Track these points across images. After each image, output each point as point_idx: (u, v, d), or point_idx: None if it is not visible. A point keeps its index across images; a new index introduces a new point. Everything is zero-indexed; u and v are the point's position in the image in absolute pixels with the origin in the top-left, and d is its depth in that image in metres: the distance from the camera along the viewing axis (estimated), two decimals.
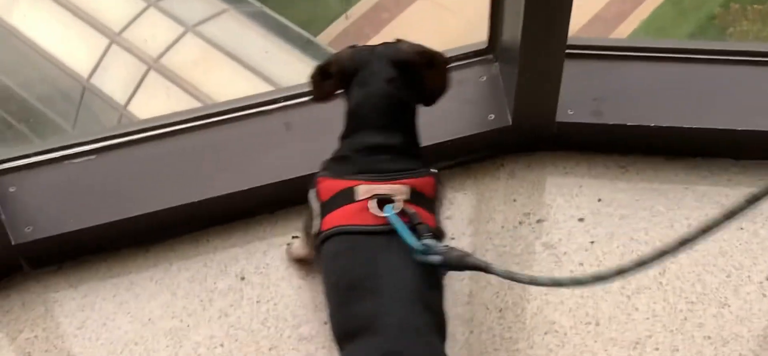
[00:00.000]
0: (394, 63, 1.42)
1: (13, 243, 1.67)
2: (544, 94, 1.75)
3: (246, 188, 1.75)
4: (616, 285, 1.61)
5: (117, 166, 1.82)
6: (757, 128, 1.77)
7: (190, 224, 1.77)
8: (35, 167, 1.81)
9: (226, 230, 1.77)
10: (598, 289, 1.60)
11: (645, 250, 1.64)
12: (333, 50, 1.71)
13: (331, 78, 1.46)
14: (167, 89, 7.32)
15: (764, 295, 1.58)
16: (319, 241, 1.37)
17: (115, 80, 7.46)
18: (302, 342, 1.56)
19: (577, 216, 1.73)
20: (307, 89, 1.85)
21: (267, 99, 1.91)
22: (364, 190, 1.33)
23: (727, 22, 7.55)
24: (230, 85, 7.11)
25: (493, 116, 1.81)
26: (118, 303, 1.66)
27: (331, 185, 1.39)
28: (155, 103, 7.15)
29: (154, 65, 7.45)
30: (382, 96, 1.40)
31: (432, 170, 1.42)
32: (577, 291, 1.60)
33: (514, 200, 1.77)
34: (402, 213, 1.31)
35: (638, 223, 1.72)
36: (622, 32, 7.78)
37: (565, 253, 1.67)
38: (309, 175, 1.73)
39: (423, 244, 1.27)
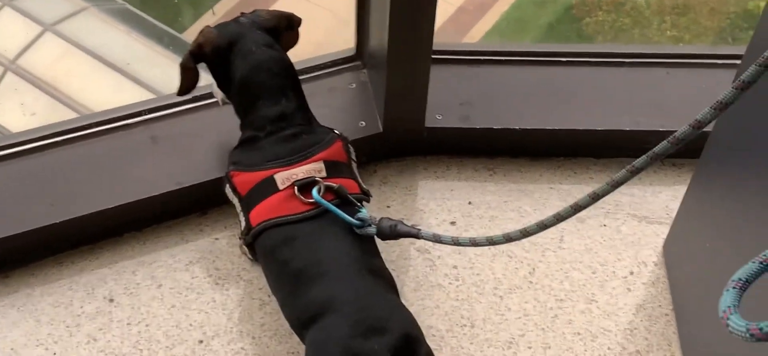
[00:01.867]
0: (265, 30, 1.47)
1: None
2: (413, 99, 1.77)
3: (111, 205, 1.68)
4: (489, 286, 1.65)
5: None
6: (614, 127, 1.84)
7: (52, 246, 1.69)
8: None
9: (92, 250, 1.70)
10: (472, 291, 1.63)
11: (514, 250, 1.69)
12: None
13: (202, 60, 1.47)
14: (26, 90, 7.00)
15: (629, 290, 1.65)
16: (251, 237, 1.36)
17: None
18: None
19: (449, 220, 1.75)
20: (172, 101, 1.83)
21: (131, 112, 1.84)
22: (282, 177, 1.35)
23: (584, 12, 7.82)
24: (94, 86, 6.87)
25: (364, 123, 1.81)
26: None
27: (247, 179, 1.40)
28: (12, 106, 6.82)
29: (10, 67, 7.10)
30: (270, 61, 1.45)
31: (334, 132, 1.44)
32: (452, 294, 1.63)
33: (388, 207, 1.78)
34: (328, 191, 1.34)
35: (507, 224, 1.76)
36: (483, 27, 7.95)
37: (439, 257, 1.69)
38: (177, 190, 1.71)
39: (358, 219, 1.32)
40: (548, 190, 1.82)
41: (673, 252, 1.65)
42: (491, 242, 1.18)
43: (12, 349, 1.55)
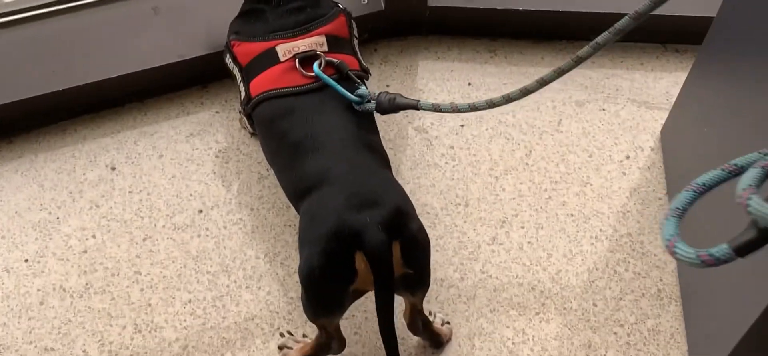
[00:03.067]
0: None
1: None
2: None
3: (114, 75, 1.70)
4: (484, 166, 1.67)
5: None
6: (619, 11, 1.82)
7: (56, 113, 1.71)
8: None
9: (95, 119, 1.72)
10: (468, 171, 1.66)
11: (511, 132, 1.70)
12: None
13: None
14: None
15: (624, 174, 1.67)
16: (251, 107, 1.37)
17: None
18: (177, 232, 1.56)
19: (448, 101, 1.76)
20: None
21: None
22: (284, 49, 1.36)
23: None
24: None
25: (365, 1, 1.80)
26: None
27: (248, 49, 1.40)
28: None
29: None
30: None
31: (338, 6, 1.44)
32: (448, 173, 1.65)
33: (388, 86, 1.78)
34: (329, 65, 1.35)
35: (506, 106, 1.76)
36: None
37: (436, 137, 1.71)
38: (178, 62, 1.72)
39: (358, 95, 1.33)
40: (542, 73, 1.81)
41: (669, 138, 1.67)
42: (491, 104, 1.18)
43: (16, 212, 1.58)
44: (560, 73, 1.09)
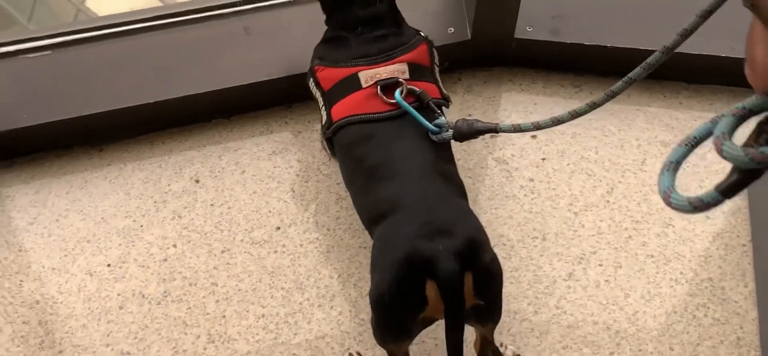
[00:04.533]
0: None
1: None
2: (504, 9, 1.75)
3: (203, 91, 1.75)
4: (564, 201, 1.65)
5: (73, 63, 1.80)
6: (709, 53, 1.79)
7: (146, 125, 1.76)
8: None
9: (182, 133, 1.77)
10: (547, 205, 1.64)
11: (593, 168, 1.68)
12: None
13: None
14: None
15: (707, 218, 1.63)
16: (332, 131, 1.39)
17: None
18: (254, 246, 1.58)
19: (530, 133, 1.75)
20: None
21: (227, 2, 1.88)
22: (366, 76, 1.37)
23: None
24: None
25: (452, 30, 1.81)
26: (71, 200, 1.66)
27: (331, 74, 1.42)
28: (114, 1, 6.98)
29: None
30: None
31: (420, 34, 1.45)
32: (526, 206, 1.64)
33: (469, 115, 1.78)
34: (409, 94, 1.35)
35: (589, 142, 1.75)
36: None
37: (516, 168, 1.70)
38: (266, 81, 1.75)
39: (436, 125, 1.33)
40: (635, 111, 1.80)
41: (756, 183, 1.62)
42: (575, 114, 1.16)
43: (102, 218, 1.64)
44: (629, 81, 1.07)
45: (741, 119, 0.70)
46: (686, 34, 0.86)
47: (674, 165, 0.75)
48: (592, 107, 1.06)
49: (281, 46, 1.81)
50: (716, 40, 1.80)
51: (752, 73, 0.66)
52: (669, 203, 0.73)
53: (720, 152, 0.69)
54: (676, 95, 1.83)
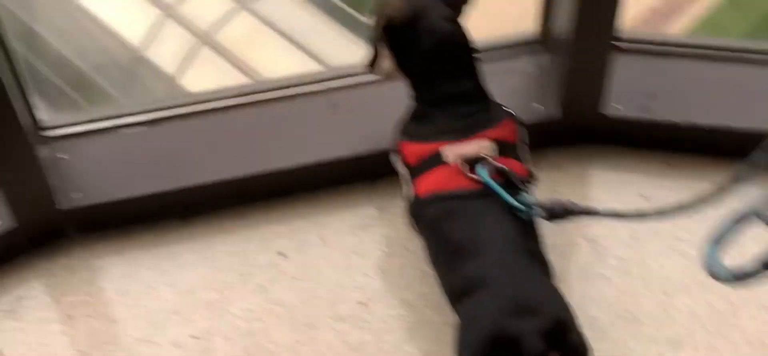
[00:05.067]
0: (448, 2, 1.44)
1: (61, 208, 1.70)
2: (593, 87, 1.74)
3: (291, 166, 1.77)
4: (657, 282, 1.60)
5: (167, 138, 1.84)
6: None
7: (232, 199, 1.79)
8: (87, 135, 1.84)
9: (269, 206, 1.79)
10: (638, 286, 1.59)
11: (687, 249, 1.63)
12: None
13: (389, 34, 1.46)
14: (217, 63, 7.37)
15: None
16: (416, 208, 1.39)
17: (167, 53, 7.53)
18: (338, 322, 1.58)
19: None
20: (354, 70, 1.88)
21: (315, 78, 1.91)
22: (452, 152, 1.35)
23: None
24: (279, 63, 7.14)
25: (540, 107, 1.80)
26: (160, 272, 1.69)
27: (416, 150, 1.42)
28: (205, 77, 7.21)
29: (206, 40, 7.50)
30: (455, 37, 1.43)
31: (507, 110, 1.43)
32: (618, 285, 1.59)
33: (555, 192, 1.75)
34: (495, 171, 1.33)
35: (682, 222, 1.69)
36: (677, 28, 7.63)
37: (606, 247, 1.66)
38: (351, 157, 1.76)
39: (521, 202, 1.30)
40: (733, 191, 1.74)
41: None
42: (682, 207, 1.12)
43: (189, 290, 1.66)
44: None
45: None
46: None
47: (716, 239, 0.75)
48: (699, 201, 1.03)
49: (367, 122, 1.82)
50: None
51: None
52: (713, 276, 0.78)
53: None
54: None
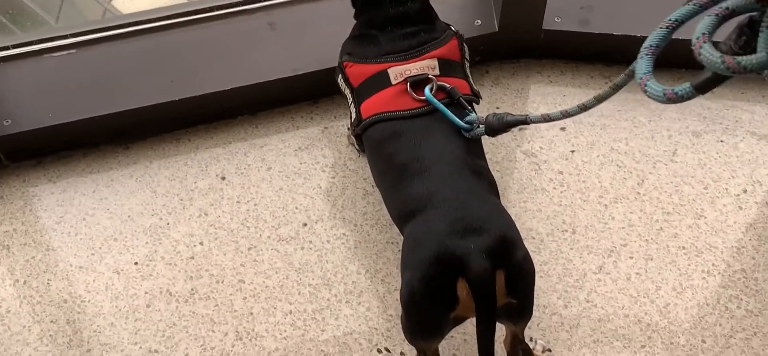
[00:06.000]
0: None
1: None
2: (532, 1, 1.73)
3: (228, 88, 1.74)
4: (594, 193, 1.62)
5: (98, 61, 1.80)
6: None
7: (171, 122, 1.76)
8: (15, 59, 1.79)
9: (207, 130, 1.77)
10: (576, 198, 1.62)
11: (623, 160, 1.66)
12: None
13: None
14: None
15: (740, 208, 1.60)
16: (362, 128, 1.38)
17: None
18: (281, 243, 1.58)
19: (559, 125, 1.73)
20: None
21: None
22: (396, 72, 1.35)
23: None
24: None
25: (479, 22, 1.79)
26: (98, 198, 1.66)
27: (360, 71, 1.40)
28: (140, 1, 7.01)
29: None
30: None
31: (451, 28, 1.42)
32: (555, 199, 1.61)
33: (498, 108, 1.76)
34: (440, 90, 1.33)
35: (619, 133, 1.72)
36: None
37: (545, 161, 1.68)
38: (291, 77, 1.74)
39: (467, 121, 1.31)
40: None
41: None
42: (600, 98, 1.14)
43: (129, 216, 1.63)
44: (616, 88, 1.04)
45: (723, 19, 0.70)
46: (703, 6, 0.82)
47: (653, 49, 0.76)
48: (616, 88, 1.04)
49: (306, 41, 1.80)
50: None
51: None
52: (645, 91, 0.75)
53: (698, 54, 0.70)
54: None
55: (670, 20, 0.74)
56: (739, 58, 0.65)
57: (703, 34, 0.69)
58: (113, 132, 1.74)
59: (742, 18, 0.68)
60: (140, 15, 1.88)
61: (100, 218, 1.63)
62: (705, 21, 0.70)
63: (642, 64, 0.73)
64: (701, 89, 0.71)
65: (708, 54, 0.67)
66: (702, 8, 0.75)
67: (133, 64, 1.80)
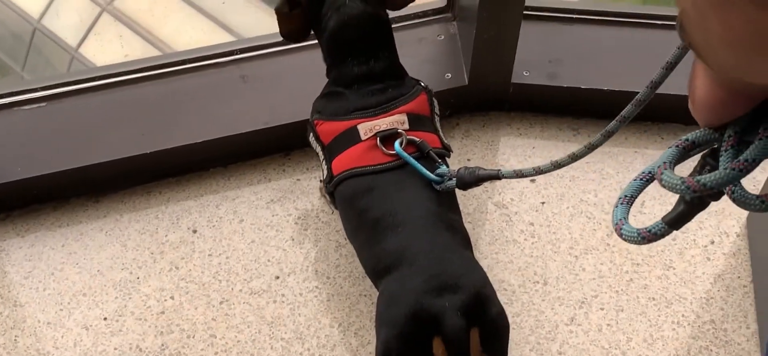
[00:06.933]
0: None
1: None
2: (501, 54, 1.76)
3: (200, 140, 1.74)
4: (564, 245, 1.64)
5: (68, 113, 1.79)
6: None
7: (142, 175, 1.75)
8: None
9: (179, 182, 1.76)
10: (547, 249, 1.63)
11: (592, 211, 1.68)
12: None
13: (298, 6, 1.43)
14: (121, 33, 7.17)
15: (708, 259, 1.62)
16: (333, 185, 1.38)
17: (67, 23, 7.28)
18: (253, 296, 1.57)
19: (530, 177, 1.74)
20: (264, 42, 1.86)
21: (224, 50, 1.89)
22: (366, 128, 1.35)
23: None
24: (186, 32, 6.98)
25: (449, 75, 1.82)
26: (67, 253, 1.65)
27: (330, 128, 1.40)
28: (108, 48, 7.01)
29: (107, 8, 7.28)
30: (362, 17, 1.39)
31: (420, 84, 1.43)
32: (527, 250, 1.63)
33: (468, 160, 1.78)
34: (410, 144, 1.34)
35: (588, 185, 1.74)
36: None
37: (516, 213, 1.69)
38: (263, 129, 1.75)
39: (438, 174, 1.31)
40: (633, 153, 1.79)
41: (756, 224, 1.61)
42: (574, 157, 1.16)
43: (98, 271, 1.62)
44: (591, 148, 1.07)
45: (685, 150, 0.72)
46: (671, 67, 0.86)
47: (628, 199, 0.78)
48: (590, 148, 1.06)
49: (278, 94, 1.81)
50: None
51: (693, 106, 0.67)
52: (620, 235, 0.76)
53: (660, 181, 0.70)
54: (673, 137, 1.83)
55: (644, 172, 0.78)
56: (699, 176, 0.68)
57: (665, 163, 0.72)
58: (83, 185, 1.73)
59: (705, 150, 0.71)
60: (111, 68, 1.88)
61: (69, 273, 1.61)
62: (667, 152, 0.73)
63: (617, 211, 0.77)
64: (673, 223, 0.73)
65: (668, 178, 0.70)
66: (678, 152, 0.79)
67: (103, 116, 1.79)
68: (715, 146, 0.70)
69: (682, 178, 0.68)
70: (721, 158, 0.67)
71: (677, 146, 0.72)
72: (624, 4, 2.06)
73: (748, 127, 0.65)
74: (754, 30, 0.47)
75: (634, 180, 0.79)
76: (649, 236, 0.74)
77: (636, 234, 0.75)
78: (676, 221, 0.73)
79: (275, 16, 1.44)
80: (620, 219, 0.76)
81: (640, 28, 1.93)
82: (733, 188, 0.68)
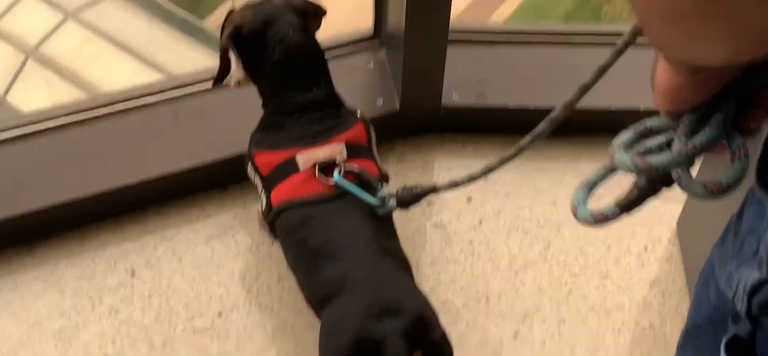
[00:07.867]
0: (297, 12, 1.42)
1: None
2: (430, 78, 1.79)
3: (134, 181, 1.72)
4: (504, 261, 1.66)
5: None
6: (630, 107, 1.84)
7: (77, 220, 1.72)
8: None
9: (115, 225, 1.74)
10: (488, 267, 1.66)
11: (530, 226, 1.71)
12: None
13: (239, 43, 1.42)
14: (48, 78, 7.05)
15: (643, 265, 1.66)
16: (272, 216, 1.37)
17: None
18: (196, 335, 1.56)
19: (466, 197, 1.77)
20: (194, 79, 1.86)
21: (154, 89, 1.87)
22: (304, 158, 1.35)
23: (602, 1, 7.80)
24: (115, 74, 6.90)
25: (381, 102, 1.83)
26: (3, 304, 1.61)
27: (269, 159, 1.40)
28: (36, 93, 6.88)
29: (32, 54, 7.16)
30: (305, 47, 1.41)
31: (357, 114, 1.44)
32: (468, 269, 1.65)
33: (405, 184, 1.79)
34: (348, 173, 1.34)
35: (522, 201, 1.78)
36: (503, 12, 7.93)
37: (455, 232, 1.71)
38: (198, 166, 1.74)
39: (379, 198, 1.32)
40: (564, 168, 1.83)
41: (686, 229, 1.67)
42: (503, 161, 1.20)
43: (36, 320, 1.59)
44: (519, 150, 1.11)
45: (641, 135, 0.75)
46: (585, 89, 0.90)
47: (588, 184, 0.84)
48: (520, 150, 1.10)
49: (212, 130, 1.80)
50: (635, 96, 1.86)
51: (654, 94, 0.70)
52: (576, 215, 0.80)
53: (612, 159, 0.75)
54: (603, 150, 1.86)
55: (606, 166, 0.82)
56: (648, 157, 0.71)
57: (618, 144, 0.76)
58: (16, 235, 1.70)
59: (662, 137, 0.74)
60: (40, 114, 1.85)
61: (5, 325, 1.58)
62: (624, 135, 0.77)
63: (577, 194, 0.83)
64: (625, 207, 0.78)
65: (620, 157, 0.74)
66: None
67: (34, 163, 1.76)
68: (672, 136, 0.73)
69: (631, 157, 0.71)
70: (673, 144, 0.70)
71: (635, 131, 0.76)
72: (547, 23, 2.11)
73: (704, 116, 0.69)
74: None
75: (599, 168, 0.83)
76: (600, 218, 0.78)
77: (589, 215, 0.78)
78: (627, 205, 0.78)
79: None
80: (578, 202, 0.80)
81: (562, 46, 1.97)
82: (681, 173, 0.71)
